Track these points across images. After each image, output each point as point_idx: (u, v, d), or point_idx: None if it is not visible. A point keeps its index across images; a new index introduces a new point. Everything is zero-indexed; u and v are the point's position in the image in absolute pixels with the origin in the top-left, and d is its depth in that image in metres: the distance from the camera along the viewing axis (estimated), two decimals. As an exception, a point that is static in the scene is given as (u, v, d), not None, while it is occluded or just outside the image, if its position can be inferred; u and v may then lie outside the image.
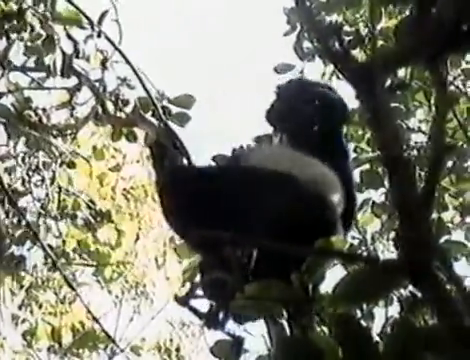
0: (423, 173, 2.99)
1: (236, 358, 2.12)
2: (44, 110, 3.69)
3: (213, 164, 2.78)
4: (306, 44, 3.70)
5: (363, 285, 1.46)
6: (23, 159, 4.44)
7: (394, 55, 1.45)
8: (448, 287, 1.30)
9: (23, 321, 5.54)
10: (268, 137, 2.76)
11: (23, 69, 3.59)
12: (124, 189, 5.84)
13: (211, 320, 1.94)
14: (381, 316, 2.60)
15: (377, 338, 1.48)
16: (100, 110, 3.37)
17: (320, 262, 1.90)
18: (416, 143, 3.66)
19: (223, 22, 8.07)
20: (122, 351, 5.19)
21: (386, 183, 3.46)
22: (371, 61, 1.46)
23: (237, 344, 2.07)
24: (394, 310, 2.66)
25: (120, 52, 3.39)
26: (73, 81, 3.55)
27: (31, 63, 3.58)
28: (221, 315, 1.95)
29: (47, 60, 3.52)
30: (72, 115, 3.64)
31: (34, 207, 4.80)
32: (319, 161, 2.40)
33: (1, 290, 4.98)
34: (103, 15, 3.46)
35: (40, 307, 5.68)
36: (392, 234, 3.52)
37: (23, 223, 4.42)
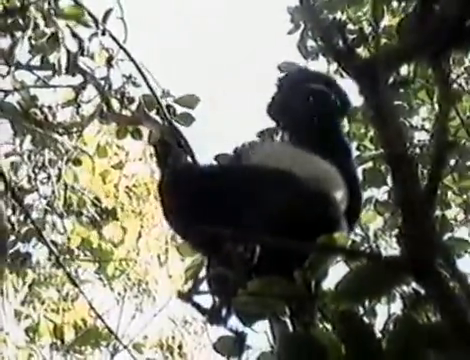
0: (426, 171, 2.99)
1: (239, 354, 2.12)
2: (50, 108, 3.70)
3: (215, 163, 2.79)
4: (310, 43, 3.71)
5: (366, 282, 1.46)
6: (29, 157, 4.45)
7: (397, 52, 1.45)
8: (451, 284, 1.30)
9: (26, 317, 5.56)
10: (271, 131, 2.76)
11: (29, 67, 3.60)
12: (127, 187, 5.85)
13: (214, 316, 1.94)
14: (384, 313, 2.60)
15: (380, 335, 1.48)
16: (105, 108, 3.38)
17: (323, 259, 1.91)
18: (419, 141, 3.66)
19: (223, 22, 8.08)
20: (125, 347, 5.19)
21: (389, 181, 3.46)
22: (374, 57, 1.46)
23: (240, 340, 2.07)
24: (397, 307, 2.67)
25: (124, 50, 3.40)
26: (78, 79, 3.56)
27: (37, 61, 3.59)
28: (224, 311, 1.95)
29: (52, 58, 3.53)
30: (78, 113, 3.65)
31: (40, 204, 4.82)
32: (321, 158, 2.40)
33: (4, 286, 4.99)
34: (108, 13, 3.47)
35: (43, 304, 5.70)
36: (395, 231, 3.52)
37: (29, 220, 4.43)
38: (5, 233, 3.57)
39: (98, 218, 5.17)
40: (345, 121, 3.59)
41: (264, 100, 2.74)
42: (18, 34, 3.52)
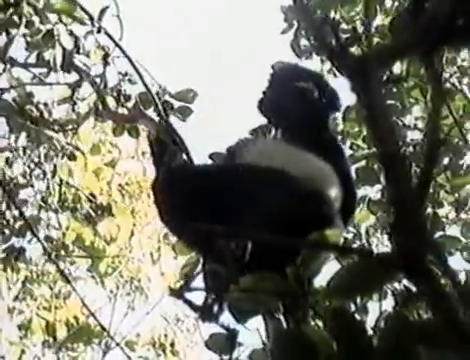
0: (419, 170, 3.00)
1: (230, 352, 2.13)
2: (46, 105, 3.71)
3: (210, 162, 2.79)
4: (303, 42, 3.72)
5: (357, 279, 1.46)
6: (24, 152, 4.46)
7: (389, 49, 1.46)
8: (442, 281, 1.30)
9: (20, 313, 5.56)
10: (263, 128, 2.76)
11: (25, 65, 3.59)
12: (119, 184, 5.85)
13: (205, 313, 1.95)
14: (375, 310, 2.61)
15: (371, 332, 1.49)
16: (101, 106, 3.38)
17: (315, 255, 1.91)
18: (412, 140, 3.67)
19: (223, 22, 8.08)
20: (118, 345, 5.19)
21: (382, 180, 3.47)
22: (366, 55, 1.47)
23: (231, 337, 2.07)
24: (388, 304, 2.68)
25: (120, 47, 3.39)
26: (74, 77, 3.56)
27: (33, 59, 3.59)
28: (216, 308, 1.95)
29: (47, 55, 3.52)
30: (73, 110, 3.65)
31: (35, 200, 4.82)
32: (315, 155, 2.40)
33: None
34: (103, 11, 3.46)
35: (35, 300, 5.69)
36: (387, 228, 3.53)
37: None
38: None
39: (93, 214, 5.17)
40: (338, 119, 3.60)
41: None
42: (13, 32, 3.51)
